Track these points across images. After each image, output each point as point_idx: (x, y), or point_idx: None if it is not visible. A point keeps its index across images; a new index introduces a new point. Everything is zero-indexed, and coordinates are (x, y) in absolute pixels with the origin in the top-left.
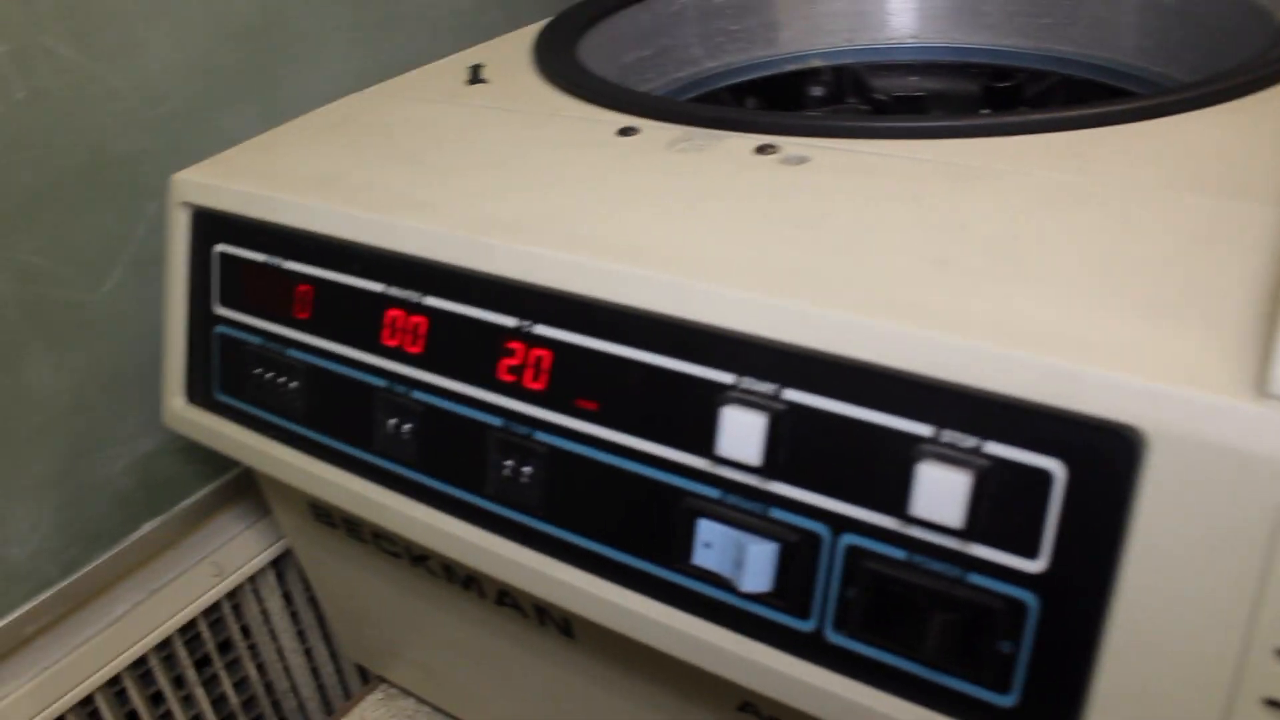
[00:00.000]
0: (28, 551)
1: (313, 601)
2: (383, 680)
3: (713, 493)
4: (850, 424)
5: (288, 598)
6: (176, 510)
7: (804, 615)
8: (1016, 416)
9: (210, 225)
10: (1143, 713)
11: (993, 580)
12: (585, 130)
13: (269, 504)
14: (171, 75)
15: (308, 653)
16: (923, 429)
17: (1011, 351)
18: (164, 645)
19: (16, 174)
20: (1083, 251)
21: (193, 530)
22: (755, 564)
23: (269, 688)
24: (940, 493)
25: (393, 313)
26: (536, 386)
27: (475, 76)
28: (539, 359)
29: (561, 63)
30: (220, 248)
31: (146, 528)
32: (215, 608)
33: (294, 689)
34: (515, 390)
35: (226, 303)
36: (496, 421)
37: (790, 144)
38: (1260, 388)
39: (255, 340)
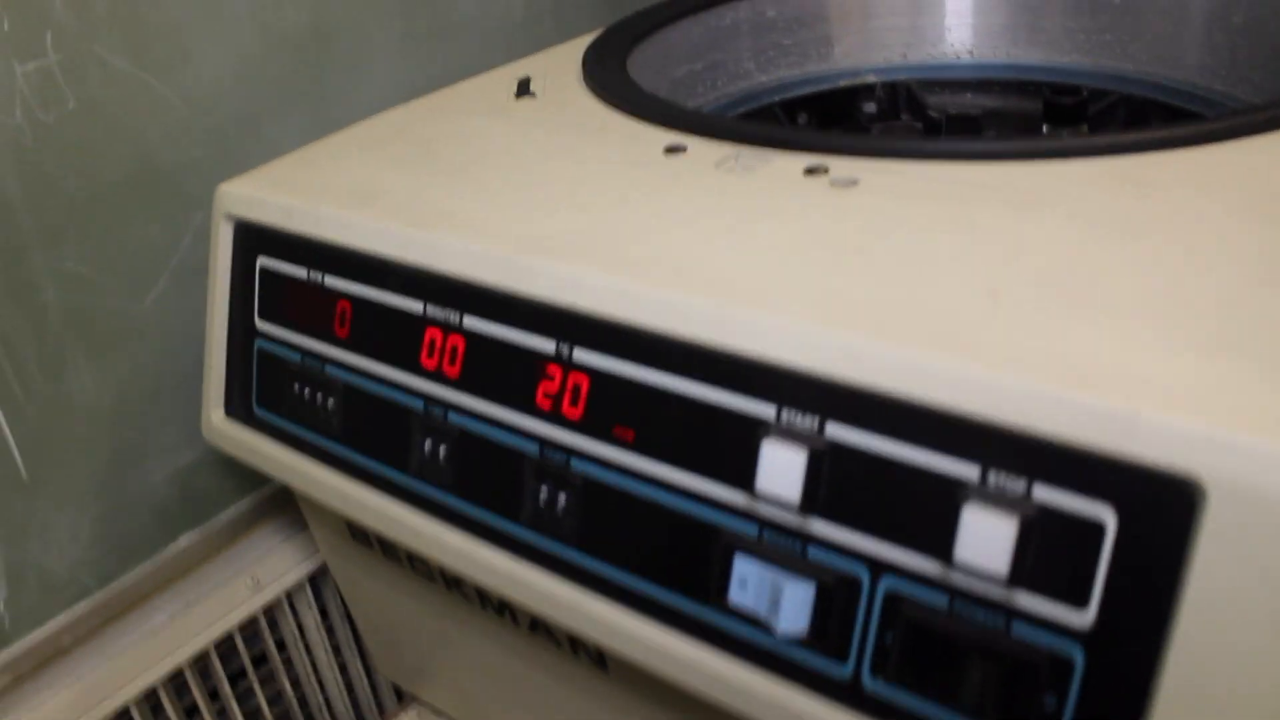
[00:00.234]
0: (66, 562)
1: (348, 617)
2: (416, 700)
3: (750, 529)
4: (894, 463)
5: (324, 613)
6: (215, 523)
7: (841, 659)
8: (1068, 461)
9: (253, 238)
10: None
11: (1039, 631)
12: (632, 147)
13: (306, 520)
14: (221, 85)
15: (342, 669)
16: (969, 470)
17: (1064, 392)
18: (200, 658)
19: (64, 183)
20: (1141, 285)
21: (231, 543)
22: (792, 605)
23: (303, 703)
24: (985, 538)
25: (431, 333)
26: (574, 413)
27: (523, 89)
28: (577, 385)
29: (610, 77)
30: (262, 261)
31: (184, 540)
32: (252, 621)
33: (328, 705)
34: (552, 416)
35: (267, 317)
36: (533, 448)
37: (841, 165)
38: None
39: (294, 356)
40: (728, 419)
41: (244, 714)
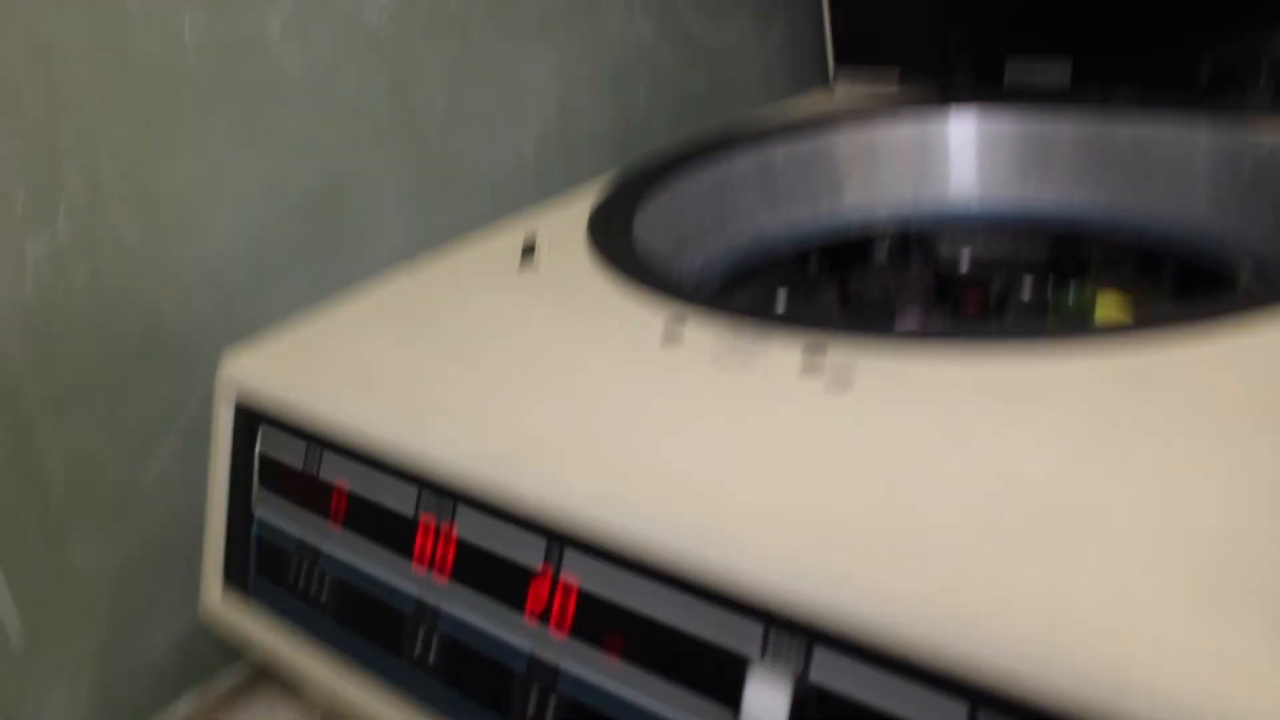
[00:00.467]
0: None
1: None
2: None
3: None
4: (879, 713)
5: None
6: (214, 685)
7: None
8: (1058, 716)
9: (252, 419)
10: None
11: None
12: (629, 332)
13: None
14: (231, 249)
15: None
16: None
17: (1052, 643)
18: None
19: (71, 357)
20: (1138, 513)
21: (230, 706)
22: None
23: None
24: None
25: (424, 528)
26: (563, 623)
27: (528, 255)
28: (566, 592)
29: (614, 244)
30: (261, 443)
31: (183, 704)
32: None
33: None
34: (541, 625)
35: (265, 499)
36: (520, 659)
37: (839, 354)
38: None
39: (290, 542)
40: (713, 643)
41: None
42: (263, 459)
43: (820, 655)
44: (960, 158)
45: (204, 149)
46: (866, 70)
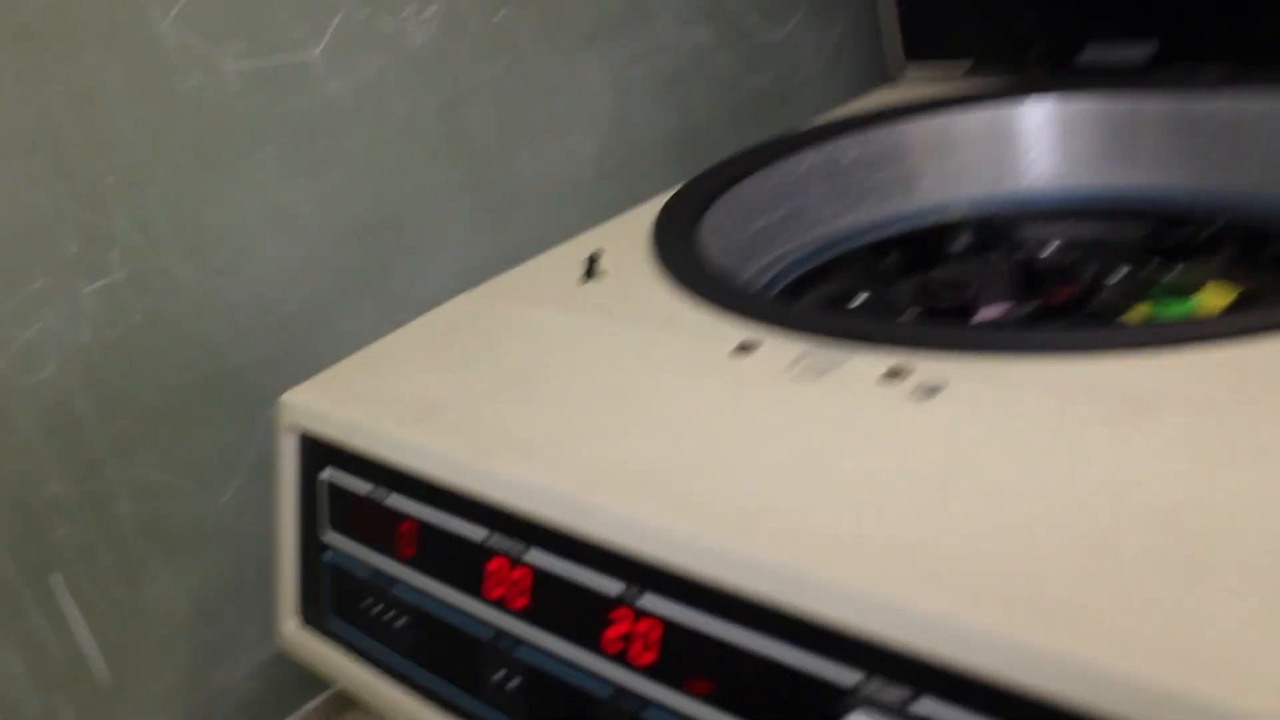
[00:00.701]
0: None
1: None
2: None
3: None
4: None
5: None
6: (302, 712)
7: None
8: None
9: (317, 450)
10: None
11: None
12: (700, 348)
13: None
14: (288, 281)
15: None
16: None
17: (1174, 690)
18: None
19: (135, 395)
20: (1271, 532)
21: None
22: None
23: None
24: None
25: (496, 562)
26: (645, 660)
27: (590, 270)
28: (648, 631)
29: (679, 256)
30: (326, 474)
31: None
32: None
33: None
34: (622, 661)
35: (334, 530)
36: (604, 692)
37: (924, 363)
38: None
39: (363, 572)
40: (807, 683)
41: None
42: (330, 493)
43: (928, 704)
44: (1041, 142)
45: (252, 182)
46: (936, 64)
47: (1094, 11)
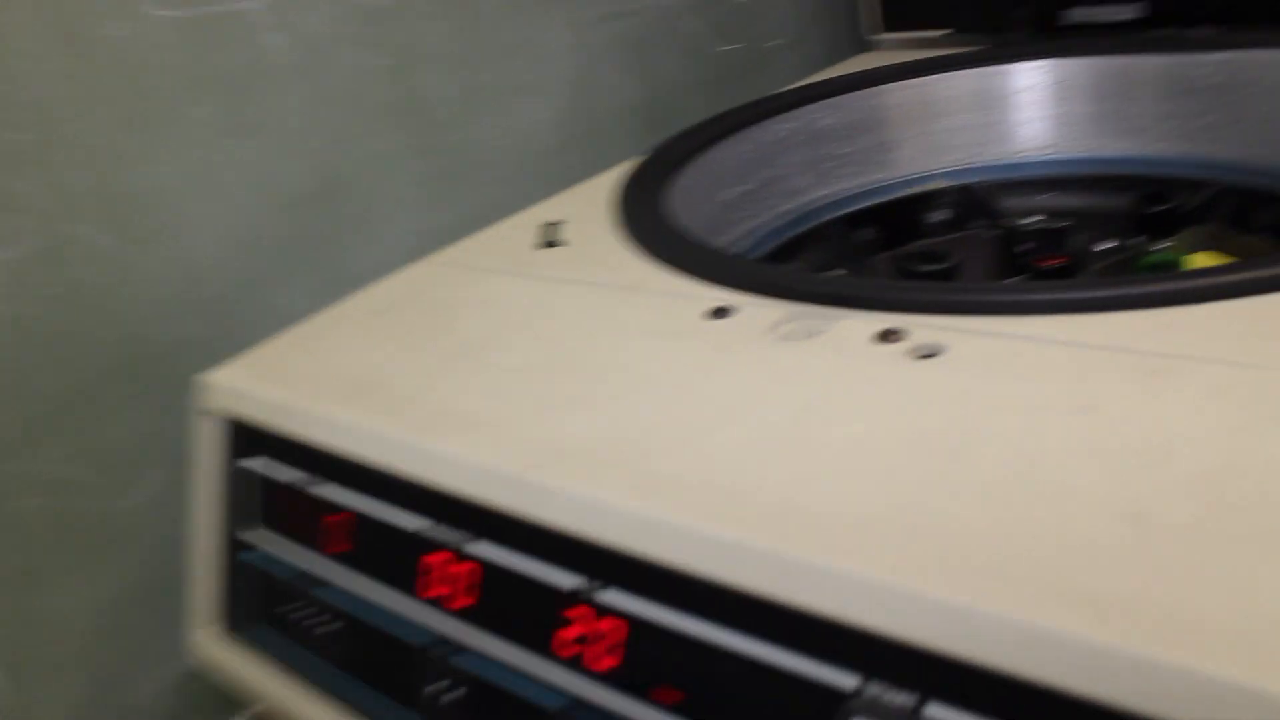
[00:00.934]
0: None
1: None
2: None
3: None
4: None
5: None
6: None
7: None
8: None
9: (239, 436)
10: None
11: None
12: (671, 311)
13: None
14: (219, 254)
15: None
16: None
17: (1233, 679)
18: None
19: (46, 377)
20: None
21: None
22: None
23: None
24: None
25: (435, 557)
26: (604, 665)
27: (550, 238)
28: (609, 631)
29: (646, 221)
30: (249, 463)
31: None
32: None
33: None
34: (578, 668)
35: (256, 526)
36: (556, 704)
37: (920, 326)
38: None
39: (287, 573)
40: (798, 688)
41: None
42: (252, 483)
43: (939, 711)
44: (1026, 107)
45: (182, 144)
46: (914, 31)
47: None
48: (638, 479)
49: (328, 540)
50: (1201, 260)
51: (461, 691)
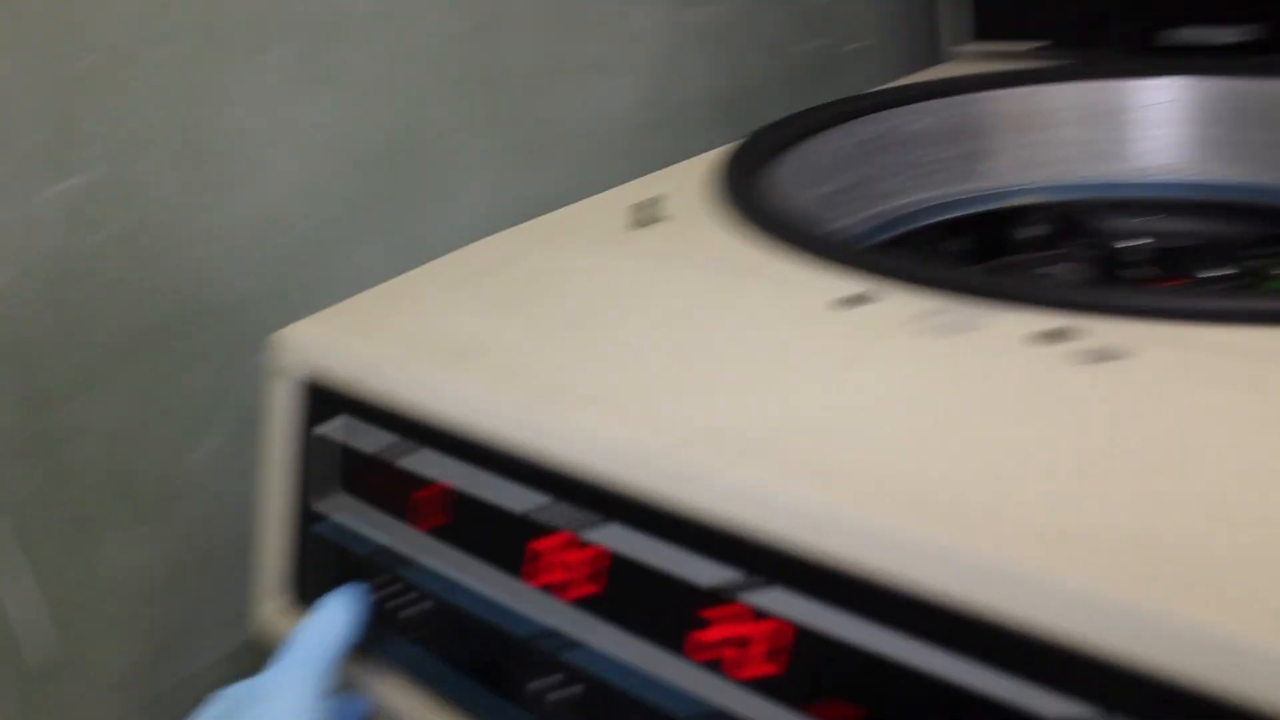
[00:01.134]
0: None
1: None
2: None
3: None
4: None
5: None
6: None
7: None
8: None
9: (317, 398)
10: None
11: None
12: (796, 297)
13: None
14: (288, 206)
15: None
16: None
17: None
18: None
19: (108, 321)
20: None
21: None
22: None
23: None
24: None
25: (549, 540)
26: (757, 672)
27: (648, 216)
28: (765, 636)
29: (756, 205)
30: (327, 428)
31: None
32: None
33: None
34: (718, 673)
35: (332, 495)
36: (687, 711)
37: (1087, 327)
38: None
39: (368, 547)
40: (1001, 716)
41: None
42: (329, 443)
43: None
44: (1137, 124)
45: (258, 87)
46: (1004, 45)
47: None
48: (808, 467)
49: (418, 514)
50: None
51: (574, 689)
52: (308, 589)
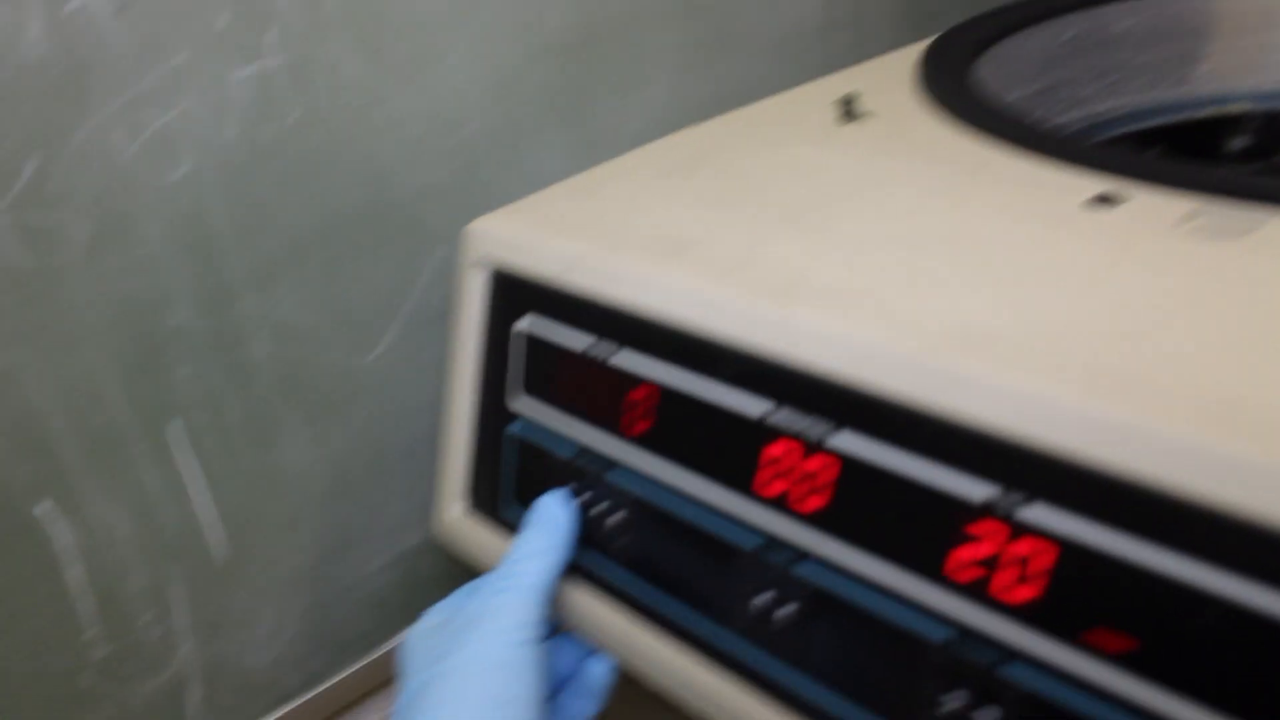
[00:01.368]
0: (268, 659)
1: None
2: None
3: None
4: None
5: None
6: None
7: None
8: None
9: (513, 293)
10: None
11: None
12: (1035, 198)
13: None
14: (469, 97)
15: None
16: None
17: None
18: None
19: (283, 214)
20: None
21: None
22: None
23: None
24: None
25: (778, 446)
26: (1018, 598)
27: (850, 110)
28: (1028, 558)
29: (973, 100)
30: (524, 325)
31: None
32: None
33: None
34: (978, 597)
35: (529, 395)
36: (943, 636)
37: None
38: None
39: (564, 452)
40: None
41: None
42: (527, 340)
43: None
44: None
45: None
46: None
47: None
48: (1088, 375)
49: (626, 417)
50: None
51: (802, 608)
52: (496, 492)
